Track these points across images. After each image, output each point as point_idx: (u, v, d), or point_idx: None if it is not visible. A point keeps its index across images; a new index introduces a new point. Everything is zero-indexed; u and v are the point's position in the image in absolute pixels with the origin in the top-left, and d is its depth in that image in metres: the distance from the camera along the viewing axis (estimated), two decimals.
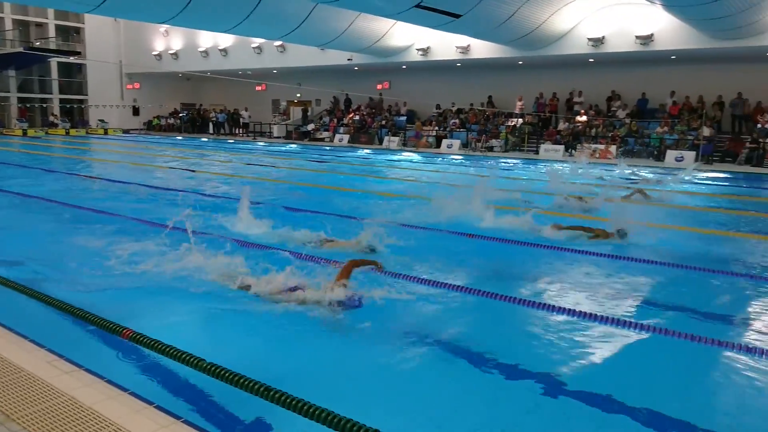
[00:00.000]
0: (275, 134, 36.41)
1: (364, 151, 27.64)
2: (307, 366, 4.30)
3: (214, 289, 5.73)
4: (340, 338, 4.82)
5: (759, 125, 22.65)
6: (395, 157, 24.59)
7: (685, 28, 21.62)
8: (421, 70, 31.47)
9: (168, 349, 4.00)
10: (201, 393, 3.73)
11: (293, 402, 3.20)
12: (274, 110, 39.94)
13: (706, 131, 23.07)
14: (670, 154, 22.72)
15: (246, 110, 38.87)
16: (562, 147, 25.29)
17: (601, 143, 24.70)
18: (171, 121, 41.88)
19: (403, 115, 32.71)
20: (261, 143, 32.91)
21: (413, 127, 31.21)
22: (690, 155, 22.20)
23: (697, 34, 21.78)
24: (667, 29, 22.46)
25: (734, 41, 21.34)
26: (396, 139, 30.00)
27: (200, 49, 36.12)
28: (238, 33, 25.05)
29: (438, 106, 31.66)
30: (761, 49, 21.90)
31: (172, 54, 37.92)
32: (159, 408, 3.29)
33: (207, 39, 35.49)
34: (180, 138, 36.24)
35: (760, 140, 21.98)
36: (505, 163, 22.87)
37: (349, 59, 30.23)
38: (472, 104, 30.29)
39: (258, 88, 38.03)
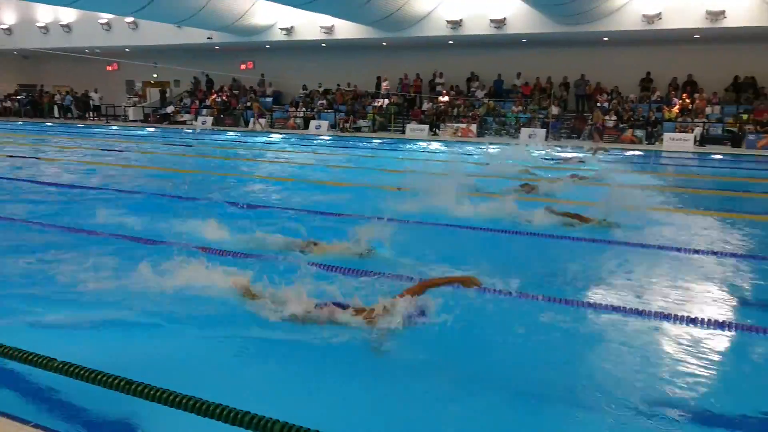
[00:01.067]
0: (131, 117, 34.06)
1: (230, 134, 26.69)
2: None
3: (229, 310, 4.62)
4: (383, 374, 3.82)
5: (599, 104, 24.89)
6: (271, 139, 24.03)
7: (534, 13, 23.12)
8: (286, 50, 30.88)
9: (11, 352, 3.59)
10: (50, 395, 3.41)
11: (158, 393, 3.00)
12: (129, 92, 37.29)
13: (555, 110, 24.96)
14: (524, 132, 24.30)
15: (96, 92, 35.87)
16: (426, 126, 26.10)
17: (462, 122, 25.81)
18: (7, 104, 37.63)
19: (269, 96, 31.98)
20: (115, 127, 30.63)
21: (281, 108, 30.66)
22: (541, 133, 23.89)
23: (544, 19, 23.39)
24: (518, 14, 23.88)
25: (576, 26, 23.17)
26: (263, 121, 29.28)
27: (39, 24, 32.69)
28: (80, 7, 23.01)
29: (305, 87, 31.31)
30: (599, 34, 24.01)
31: (4, 29, 33.96)
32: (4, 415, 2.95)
33: (46, 13, 32.17)
34: (21, 123, 32.70)
35: (601, 117, 24.17)
36: (413, 146, 23.17)
37: (209, 38, 28.89)
38: (338, 85, 30.29)
39: (109, 68, 35.23)
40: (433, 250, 6.38)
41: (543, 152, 18.83)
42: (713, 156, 19.92)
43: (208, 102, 32.62)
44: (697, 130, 22.43)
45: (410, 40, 27.24)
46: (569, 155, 18.07)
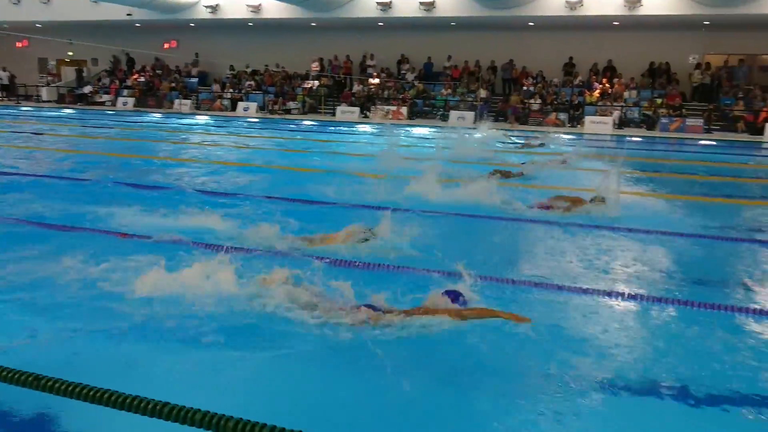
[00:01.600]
0: (44, 98, 32.09)
1: (155, 116, 25.63)
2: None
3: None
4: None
5: (525, 87, 25.53)
6: (197, 121, 23.25)
7: None
8: (212, 28, 29.87)
9: None
10: None
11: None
12: (42, 70, 35.08)
13: (483, 93, 25.41)
14: (454, 114, 24.63)
15: (5, 70, 33.51)
16: (357, 109, 26.00)
17: (393, 104, 25.87)
18: None
19: (194, 77, 30.92)
20: (27, 108, 28.80)
21: (207, 89, 29.72)
22: (470, 115, 24.29)
23: (473, 3, 23.69)
24: None
25: (503, 11, 23.61)
26: (188, 102, 28.31)
27: None
28: None
29: (232, 67, 30.45)
30: (524, 19, 24.56)
31: None
32: None
33: None
34: None
35: (526, 101, 24.81)
36: (349, 129, 22.88)
37: (128, 14, 27.54)
38: (267, 66, 29.64)
39: (19, 44, 33.02)
40: (450, 242, 6.41)
41: (500, 136, 18.75)
42: (670, 140, 20.71)
43: (129, 82, 31.18)
44: (616, 114, 23.43)
45: (340, 21, 26.95)
46: (528, 140, 18.14)
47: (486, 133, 17.97)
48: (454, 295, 4.23)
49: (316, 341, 3.88)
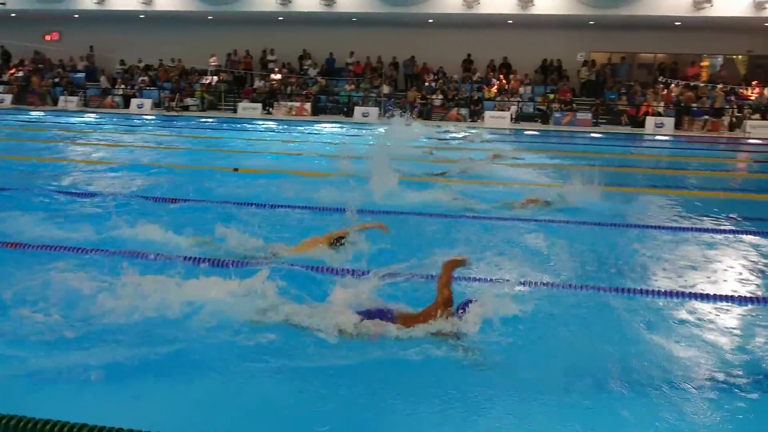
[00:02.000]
0: None
1: (36, 114, 23.69)
2: None
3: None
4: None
5: (426, 83, 26.03)
6: (89, 120, 21.69)
7: None
8: (99, 20, 28.00)
9: None
10: None
11: None
12: None
13: (386, 89, 25.63)
14: (358, 110, 24.66)
15: None
16: (259, 105, 25.40)
17: (296, 101, 25.51)
18: None
19: (81, 72, 28.91)
20: None
21: (95, 85, 27.89)
22: (374, 111, 24.43)
23: None
24: None
25: (403, 7, 23.93)
26: (74, 99, 26.44)
27: None
28: None
29: (122, 62, 28.75)
30: (424, 16, 25.02)
31: None
32: None
33: None
34: None
35: (428, 96, 25.29)
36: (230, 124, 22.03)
37: (2, 3, 25.28)
38: (161, 60, 28.27)
39: None
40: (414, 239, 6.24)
41: (425, 132, 18.78)
42: (563, 132, 21.77)
43: (5, 77, 28.64)
44: (513, 108, 24.44)
45: (238, 15, 26.19)
46: (456, 135, 18.31)
47: (418, 129, 18.05)
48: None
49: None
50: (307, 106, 25.18)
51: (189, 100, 26.15)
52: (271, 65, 27.77)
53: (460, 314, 3.96)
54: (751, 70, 26.53)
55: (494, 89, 25.51)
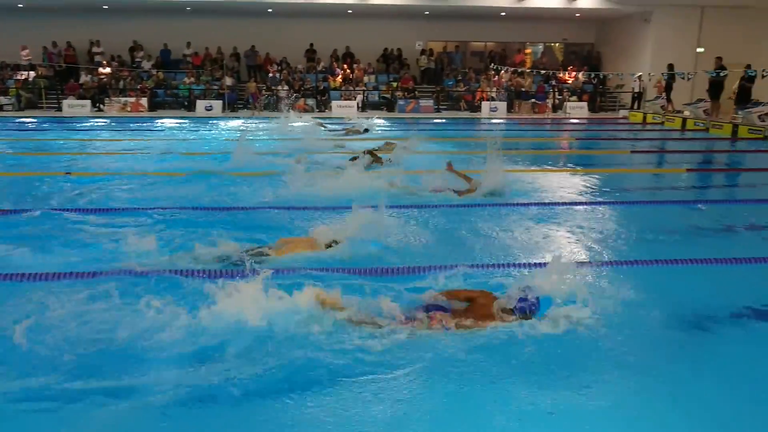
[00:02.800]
0: None
1: None
2: None
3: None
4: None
5: (270, 74, 25.52)
6: None
7: None
8: None
9: None
10: None
11: None
12: None
13: (229, 81, 24.72)
14: (200, 104, 23.56)
15: None
16: (89, 102, 23.28)
17: (130, 96, 23.74)
18: None
19: None
20: None
21: None
22: (218, 104, 23.49)
23: None
24: None
25: None
26: None
27: None
28: None
29: None
30: (263, 5, 24.44)
31: None
32: None
33: None
34: None
35: (273, 88, 24.83)
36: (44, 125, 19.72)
37: None
38: None
39: None
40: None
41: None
42: (408, 119, 22.20)
43: None
44: (359, 98, 24.82)
45: (54, 3, 23.70)
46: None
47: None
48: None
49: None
50: (144, 101, 23.54)
51: (2, 99, 23.23)
52: (98, 58, 25.53)
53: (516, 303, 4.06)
54: (566, 56, 29.37)
55: (339, 79, 25.69)
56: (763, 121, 17.28)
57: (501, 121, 22.70)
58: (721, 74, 18.83)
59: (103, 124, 19.71)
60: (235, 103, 24.41)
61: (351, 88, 25.34)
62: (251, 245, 5.47)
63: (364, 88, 25.43)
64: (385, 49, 27.16)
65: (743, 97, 18.54)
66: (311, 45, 26.70)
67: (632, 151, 14.24)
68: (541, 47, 29.74)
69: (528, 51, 29.47)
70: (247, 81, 25.96)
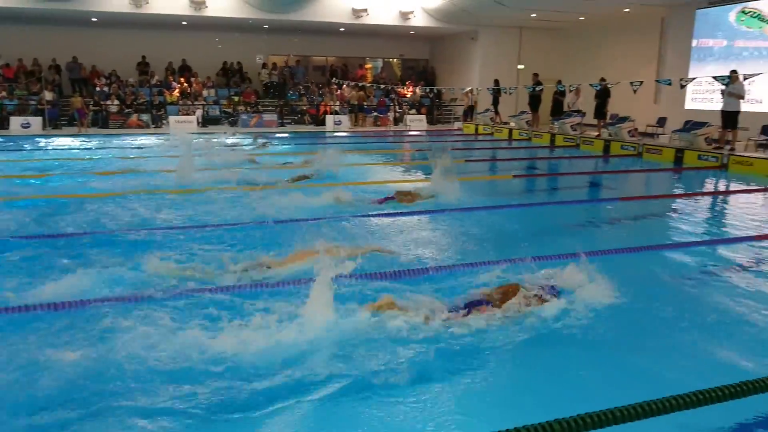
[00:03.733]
0: None
1: None
2: None
3: None
4: None
5: (98, 88, 23.68)
6: None
7: None
8: None
9: None
10: None
11: None
12: None
13: (48, 95, 22.52)
14: (15, 121, 21.19)
15: None
16: None
17: None
18: None
19: None
20: None
21: None
22: (37, 121, 21.30)
23: None
24: None
25: (57, 3, 21.12)
26: None
27: None
28: None
29: None
30: (86, 14, 22.55)
31: None
32: None
33: None
34: None
35: (101, 103, 23.05)
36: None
37: None
38: None
39: None
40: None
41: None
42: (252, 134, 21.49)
43: None
44: (199, 112, 23.86)
45: None
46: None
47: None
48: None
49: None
50: None
51: None
52: None
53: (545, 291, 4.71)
54: (404, 71, 30.70)
55: (176, 93, 24.53)
56: (575, 130, 19.35)
57: (345, 133, 23.07)
58: (537, 89, 20.76)
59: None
60: (57, 120, 22.28)
61: (189, 102, 24.30)
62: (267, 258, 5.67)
63: (204, 103, 24.52)
64: (225, 63, 26.45)
65: (556, 110, 20.62)
66: (143, 57, 25.22)
67: (467, 160, 15.17)
68: (380, 62, 30.77)
69: (368, 66, 30.33)
70: (70, 95, 23.83)
